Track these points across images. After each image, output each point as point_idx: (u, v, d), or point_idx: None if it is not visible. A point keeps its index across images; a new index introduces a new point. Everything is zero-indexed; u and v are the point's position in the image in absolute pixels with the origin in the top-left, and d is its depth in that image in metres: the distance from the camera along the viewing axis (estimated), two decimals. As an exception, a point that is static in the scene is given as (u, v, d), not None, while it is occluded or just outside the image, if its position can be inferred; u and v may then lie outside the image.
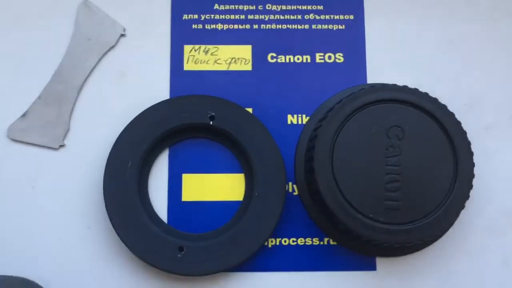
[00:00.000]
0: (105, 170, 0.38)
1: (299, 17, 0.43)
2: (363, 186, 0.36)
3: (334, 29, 0.42)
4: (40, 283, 0.38)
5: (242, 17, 0.42)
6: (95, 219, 0.39)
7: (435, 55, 0.42)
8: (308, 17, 0.43)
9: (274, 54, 0.42)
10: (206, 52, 0.42)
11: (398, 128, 0.36)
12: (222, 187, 0.40)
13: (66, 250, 0.39)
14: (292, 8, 0.43)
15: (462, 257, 0.40)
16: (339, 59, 0.42)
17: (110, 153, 0.38)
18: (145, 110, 0.39)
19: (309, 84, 0.42)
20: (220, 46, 0.42)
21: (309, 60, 0.42)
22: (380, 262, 0.39)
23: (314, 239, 0.40)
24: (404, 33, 0.43)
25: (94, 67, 0.41)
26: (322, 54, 0.42)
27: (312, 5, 0.43)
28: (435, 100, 0.37)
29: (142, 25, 0.42)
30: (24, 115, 0.40)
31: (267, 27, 0.42)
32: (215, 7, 0.42)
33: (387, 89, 0.37)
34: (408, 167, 0.36)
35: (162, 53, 0.42)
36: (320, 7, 0.43)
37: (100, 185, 0.39)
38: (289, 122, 0.41)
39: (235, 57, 0.42)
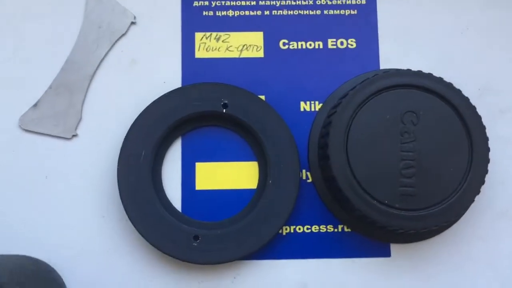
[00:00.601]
0: (118, 159, 0.38)
1: (311, 2, 0.42)
2: (378, 172, 0.36)
3: (346, 14, 0.42)
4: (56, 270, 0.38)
5: (253, 3, 0.42)
6: (109, 208, 0.39)
7: (448, 40, 0.42)
8: (319, 2, 0.42)
9: (286, 41, 0.42)
10: (218, 39, 0.41)
11: (413, 114, 0.36)
12: (236, 175, 0.40)
13: (81, 240, 0.39)
14: (304, -6, 0.42)
15: (477, 243, 0.40)
16: (352, 45, 0.42)
17: (123, 142, 0.38)
18: (157, 99, 0.39)
19: (321, 71, 0.41)
20: (231, 33, 0.42)
21: (321, 46, 0.42)
22: (394, 248, 0.39)
23: (328, 226, 0.39)
24: (417, 18, 0.42)
25: (105, 56, 0.41)
26: (334, 40, 0.42)
27: (324, -10, 0.42)
28: (449, 85, 0.37)
29: (152, 12, 0.42)
30: (35, 105, 0.40)
31: (278, 13, 0.42)
32: (225, -6, 0.42)
33: (401, 75, 0.37)
34: (423, 153, 0.36)
35: (173, 40, 0.41)
36: (332, -8, 0.42)
37: (113, 174, 0.38)
38: (302, 109, 0.41)
39: (247, 44, 0.41)
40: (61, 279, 0.38)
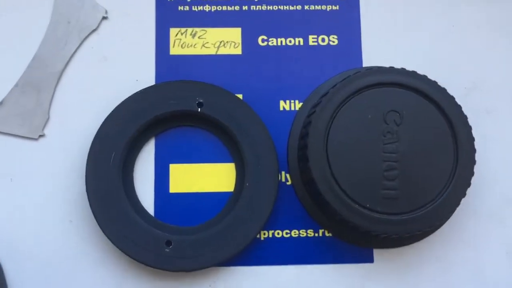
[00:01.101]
0: (87, 161, 0.37)
1: (291, -3, 0.41)
2: (360, 175, 0.35)
3: (328, 9, 0.41)
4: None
5: (231, -2, 0.41)
6: (77, 212, 0.38)
7: (434, 37, 0.41)
8: (300, -3, 0.41)
9: (265, 37, 0.40)
10: (193, 35, 0.40)
11: (396, 113, 0.35)
12: (212, 177, 0.38)
13: (47, 245, 0.37)
14: (284, -12, 0.41)
15: (463, 247, 0.39)
16: (333, 42, 0.40)
17: (92, 143, 0.37)
18: (129, 97, 0.38)
19: (302, 68, 0.40)
20: (208, 29, 0.40)
21: (301, 43, 0.40)
22: (377, 253, 0.38)
23: (308, 231, 0.38)
24: (402, 14, 0.41)
25: (74, 52, 0.39)
26: (315, 36, 0.40)
27: (305, -15, 0.41)
28: (434, 83, 0.36)
29: (125, 7, 0.40)
30: (0, 103, 0.39)
31: (257, 8, 0.41)
32: (202, -12, 0.41)
33: (384, 72, 0.36)
34: (407, 154, 0.35)
35: (146, 36, 0.40)
36: (313, -13, 0.41)
37: (82, 176, 0.37)
38: (281, 108, 0.39)
39: (224, 41, 0.40)
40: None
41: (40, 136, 0.38)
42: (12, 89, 0.39)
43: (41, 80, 0.39)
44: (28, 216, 0.38)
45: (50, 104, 0.39)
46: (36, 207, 0.38)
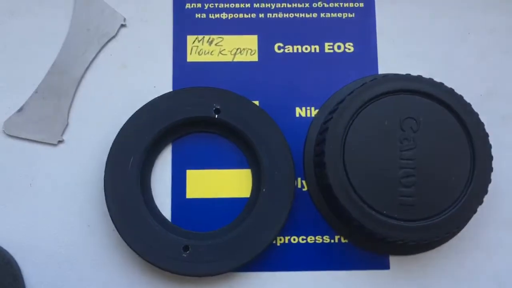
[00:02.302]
0: (106, 166, 0.37)
1: (307, 5, 0.41)
2: (376, 181, 0.35)
3: (344, 17, 0.41)
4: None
5: (248, 5, 0.41)
6: (95, 217, 0.38)
7: (449, 44, 0.41)
8: (316, 5, 0.41)
9: (281, 44, 0.40)
10: (210, 42, 0.40)
11: (413, 120, 0.35)
12: (228, 183, 0.38)
13: (65, 249, 0.38)
14: (300, -4, 0.41)
15: (480, 255, 0.38)
16: (349, 49, 0.40)
17: (111, 148, 0.37)
18: (147, 104, 0.38)
19: (318, 75, 0.40)
20: (224, 36, 0.40)
21: (317, 50, 0.40)
22: (393, 260, 0.38)
23: (324, 237, 0.38)
24: (417, 22, 0.41)
25: (93, 59, 0.40)
26: (331, 43, 0.40)
27: (321, -8, 0.41)
28: (451, 91, 0.36)
29: (143, 15, 0.41)
30: (20, 109, 0.39)
31: (273, 16, 0.41)
32: (219, -4, 0.41)
33: (400, 79, 0.36)
34: (423, 161, 0.35)
35: (164, 44, 0.40)
36: (329, -5, 0.41)
37: (100, 182, 0.37)
38: (297, 115, 0.39)
39: (241, 48, 0.40)
40: (18, 270, 0.37)
41: (59, 141, 0.39)
42: (32, 95, 0.39)
43: (60, 87, 0.39)
44: (46, 220, 0.38)
45: (69, 111, 0.39)
46: (55, 211, 0.38)
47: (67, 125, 0.39)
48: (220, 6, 0.41)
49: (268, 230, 0.37)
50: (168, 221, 0.38)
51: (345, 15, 0.41)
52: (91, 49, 0.40)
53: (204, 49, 0.40)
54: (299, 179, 0.39)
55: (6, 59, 0.40)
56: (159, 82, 0.40)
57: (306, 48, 0.40)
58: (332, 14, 0.41)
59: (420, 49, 0.41)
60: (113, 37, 0.40)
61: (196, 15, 0.41)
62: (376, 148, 0.35)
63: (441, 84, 0.36)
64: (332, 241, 0.38)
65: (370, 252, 0.38)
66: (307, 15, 0.41)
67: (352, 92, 0.36)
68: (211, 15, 0.41)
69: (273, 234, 0.36)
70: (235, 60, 0.40)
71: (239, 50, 0.40)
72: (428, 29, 0.41)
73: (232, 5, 0.41)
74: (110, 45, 0.40)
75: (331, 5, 0.41)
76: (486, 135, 0.35)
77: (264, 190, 0.37)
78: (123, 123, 0.37)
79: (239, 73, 0.40)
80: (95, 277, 0.37)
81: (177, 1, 0.41)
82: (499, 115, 0.40)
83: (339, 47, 0.41)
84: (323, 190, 0.38)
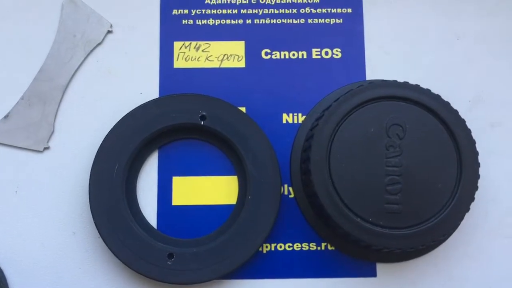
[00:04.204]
0: (90, 173, 0.37)
1: (294, 11, 0.41)
2: (362, 188, 0.34)
3: (331, 23, 0.41)
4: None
5: (235, 11, 0.41)
6: (80, 224, 0.38)
7: (437, 50, 0.41)
8: (303, 11, 0.41)
9: (269, 50, 0.40)
10: (197, 48, 0.40)
11: (399, 127, 0.35)
12: (214, 190, 0.38)
13: (51, 257, 0.38)
14: (287, 2, 0.41)
15: (467, 262, 0.38)
16: (337, 55, 0.40)
17: (96, 155, 0.37)
18: (133, 110, 0.38)
19: (305, 81, 0.40)
20: (211, 42, 0.40)
21: (305, 56, 0.40)
22: (380, 268, 0.38)
23: (311, 244, 0.38)
24: (405, 28, 0.41)
25: (80, 65, 0.40)
26: (318, 49, 0.40)
27: (308, -2, 0.41)
28: (437, 97, 0.35)
29: (130, 21, 0.41)
30: (6, 116, 0.39)
31: (261, 22, 0.41)
32: (206, 2, 0.41)
33: (387, 86, 0.36)
34: (410, 168, 0.34)
35: (151, 50, 0.40)
36: (317, 0, 0.41)
37: (85, 189, 0.37)
38: (284, 122, 0.39)
39: (228, 54, 0.40)
40: (2, 277, 0.36)
41: (45, 148, 0.39)
42: (18, 102, 0.39)
43: (46, 93, 0.39)
44: (32, 227, 0.38)
45: (55, 117, 0.39)
46: (40, 218, 0.38)
47: (53, 132, 0.39)
48: (207, 12, 0.41)
49: (254, 237, 0.36)
50: (154, 228, 0.38)
51: (333, 20, 0.41)
52: (78, 56, 0.39)
53: (191, 55, 0.40)
54: (285, 186, 0.39)
55: (-8, 66, 0.40)
56: (146, 88, 0.39)
57: (294, 54, 0.40)
58: (319, 20, 0.41)
59: (408, 55, 0.40)
60: (100, 43, 0.40)
61: (183, 21, 0.41)
62: (362, 155, 0.35)
63: (428, 90, 0.36)
64: (319, 248, 0.38)
65: (357, 260, 0.38)
66: (294, 21, 0.41)
67: (338, 99, 0.36)
68: (198, 21, 0.41)
69: (259, 241, 0.36)
70: (222, 66, 0.40)
71: (226, 56, 0.40)
72: (416, 34, 0.41)
73: (219, 11, 0.41)
74: (96, 51, 0.40)
75: (318, 10, 0.41)
76: (473, 142, 0.35)
77: (250, 197, 0.37)
78: (109, 129, 0.37)
79: (226, 79, 0.40)
80: (80, 284, 0.37)
81: (164, 7, 0.41)
82: (487, 121, 0.40)
83: (326, 53, 0.40)
84: (310, 197, 0.37)
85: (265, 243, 0.38)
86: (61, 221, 0.38)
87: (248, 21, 0.41)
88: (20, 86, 0.39)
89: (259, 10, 0.41)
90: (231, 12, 0.41)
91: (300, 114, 0.39)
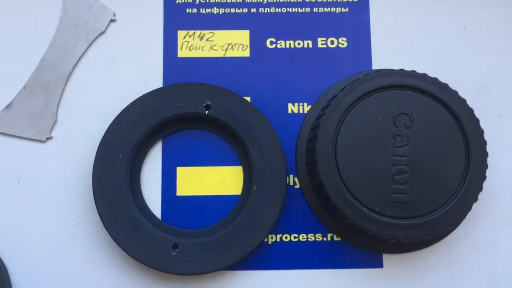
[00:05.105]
0: (94, 163, 0.36)
1: (300, 0, 0.40)
2: (369, 178, 0.34)
3: (337, 12, 0.40)
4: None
5: (239, 0, 0.40)
6: (84, 215, 0.38)
7: (445, 39, 0.40)
8: (309, 0, 0.40)
9: (273, 39, 0.40)
10: (201, 37, 0.40)
11: (406, 116, 0.35)
12: (219, 180, 0.38)
13: (54, 248, 0.37)
14: (292, -10, 0.41)
15: (474, 253, 0.38)
16: (343, 44, 0.40)
17: (100, 145, 0.37)
18: (136, 100, 0.37)
19: (310, 71, 0.40)
20: (216, 31, 0.40)
21: (310, 45, 0.40)
22: (387, 258, 0.38)
23: (317, 235, 0.38)
24: (412, 16, 0.41)
25: (82, 54, 0.39)
26: (324, 39, 0.40)
27: (313, -13, 0.41)
28: (445, 86, 0.35)
29: (133, 9, 0.40)
30: (8, 106, 0.38)
31: (265, 11, 0.40)
32: (210, -10, 0.40)
33: (393, 75, 0.35)
34: (417, 158, 0.34)
35: (154, 39, 0.40)
36: (322, -11, 0.40)
37: (89, 179, 0.37)
38: (289, 111, 0.39)
39: (232, 43, 0.40)
40: (4, 271, 0.36)
41: (48, 138, 0.38)
42: (20, 91, 0.39)
43: (49, 82, 0.39)
44: (34, 217, 0.37)
45: (58, 107, 0.39)
46: (43, 209, 0.37)
47: (55, 121, 0.38)
48: (211, 1, 0.40)
49: (260, 228, 0.36)
50: (158, 219, 0.37)
51: (338, 9, 0.40)
52: (80, 45, 0.39)
53: (195, 45, 0.40)
54: (291, 176, 0.38)
55: (-6, 55, 0.39)
56: (149, 77, 0.39)
57: (299, 43, 0.40)
58: (325, 8, 0.40)
59: (415, 44, 0.40)
60: (103, 32, 0.39)
61: (187, 10, 0.40)
62: (368, 144, 0.34)
63: (436, 79, 0.35)
64: (325, 239, 0.38)
65: (363, 250, 0.38)
66: (299, 10, 0.40)
67: (344, 88, 0.35)
68: (202, 10, 0.40)
69: (265, 232, 0.36)
70: (226, 55, 0.40)
71: (230, 46, 0.40)
72: (423, 24, 0.40)
73: (223, 0, 0.40)
74: (99, 40, 0.40)
75: (324, -1, 0.41)
76: (482, 131, 0.35)
77: (255, 187, 0.36)
78: (113, 119, 0.37)
79: (231, 68, 0.39)
80: (83, 275, 0.37)
81: (168, -4, 0.40)
82: (494, 111, 0.39)
83: (332, 42, 0.40)
84: (316, 188, 0.37)
85: (271, 234, 0.37)
86: (64, 211, 0.37)
87: (253, 10, 0.40)
88: (23, 75, 0.39)
89: (264, -2, 0.40)
90: (235, 1, 0.40)
91: (305, 104, 0.39)
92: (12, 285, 0.37)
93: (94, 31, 0.39)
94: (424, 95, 0.35)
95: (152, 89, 0.38)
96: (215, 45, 0.40)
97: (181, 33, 0.40)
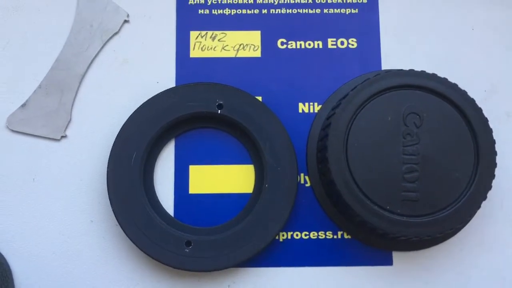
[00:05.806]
0: (108, 161, 0.37)
1: (310, 0, 0.41)
2: (380, 177, 0.34)
3: (347, 13, 0.41)
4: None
5: (251, 1, 0.41)
6: (98, 212, 0.38)
7: (453, 39, 0.41)
8: (319, 1, 0.41)
9: (284, 40, 0.40)
10: (213, 38, 0.40)
11: (416, 116, 0.35)
12: (231, 179, 0.38)
13: (68, 245, 0.38)
14: (303, -8, 0.41)
15: (483, 251, 0.38)
16: (352, 45, 0.40)
17: (114, 144, 0.37)
18: (150, 99, 0.38)
19: (321, 71, 0.40)
20: (227, 32, 0.40)
21: (321, 46, 0.40)
22: (396, 256, 0.38)
23: (327, 233, 0.38)
24: (421, 16, 0.41)
25: (96, 55, 0.40)
26: (334, 39, 0.40)
27: (324, -12, 0.41)
28: (454, 86, 0.35)
29: (146, 10, 0.41)
30: (24, 105, 0.39)
31: (276, 12, 0.41)
32: (222, -9, 0.41)
33: (403, 75, 0.36)
34: (427, 156, 0.34)
35: (167, 39, 0.40)
36: (332, -10, 0.41)
37: (103, 177, 0.37)
38: (300, 111, 0.39)
39: (244, 43, 0.40)
40: (8, 271, 0.36)
41: (62, 137, 0.39)
42: (35, 90, 0.39)
43: (64, 82, 0.39)
44: (49, 215, 0.38)
45: (72, 106, 0.39)
46: (58, 207, 0.38)
47: (70, 120, 0.39)
48: (223, 2, 0.41)
49: (271, 225, 0.36)
50: (171, 216, 0.38)
51: (348, 10, 0.41)
52: (94, 45, 0.40)
53: (207, 45, 0.40)
54: (302, 174, 0.39)
55: (10, 55, 0.40)
56: (162, 77, 0.40)
57: (309, 44, 0.40)
58: (335, 9, 0.41)
59: (424, 44, 0.40)
60: (116, 33, 0.40)
61: (199, 11, 0.41)
62: (379, 143, 0.35)
63: (445, 79, 0.36)
64: (335, 237, 0.38)
65: (373, 248, 0.38)
66: (310, 11, 0.41)
67: (355, 88, 0.36)
68: (214, 11, 0.41)
69: (276, 229, 0.36)
70: (238, 56, 0.40)
71: (242, 46, 0.40)
72: (432, 24, 0.41)
73: (235, 1, 0.41)
74: (113, 41, 0.40)
75: (334, 0, 0.41)
76: (490, 130, 0.35)
77: (266, 185, 0.37)
78: (126, 118, 0.37)
79: (242, 68, 0.40)
80: (98, 272, 0.37)
81: (180, -3, 0.41)
82: (503, 111, 0.40)
83: (342, 43, 0.40)
84: (326, 186, 0.37)
85: (282, 231, 0.38)
86: (79, 209, 0.38)
87: (264, 11, 0.41)
88: (38, 75, 0.39)
89: (275, 0, 0.41)
90: (247, 2, 0.41)
91: (316, 104, 0.40)
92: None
93: (108, 31, 0.40)
94: (434, 95, 0.35)
95: (165, 89, 0.38)
96: (227, 45, 0.40)
97: (193, 34, 0.40)
